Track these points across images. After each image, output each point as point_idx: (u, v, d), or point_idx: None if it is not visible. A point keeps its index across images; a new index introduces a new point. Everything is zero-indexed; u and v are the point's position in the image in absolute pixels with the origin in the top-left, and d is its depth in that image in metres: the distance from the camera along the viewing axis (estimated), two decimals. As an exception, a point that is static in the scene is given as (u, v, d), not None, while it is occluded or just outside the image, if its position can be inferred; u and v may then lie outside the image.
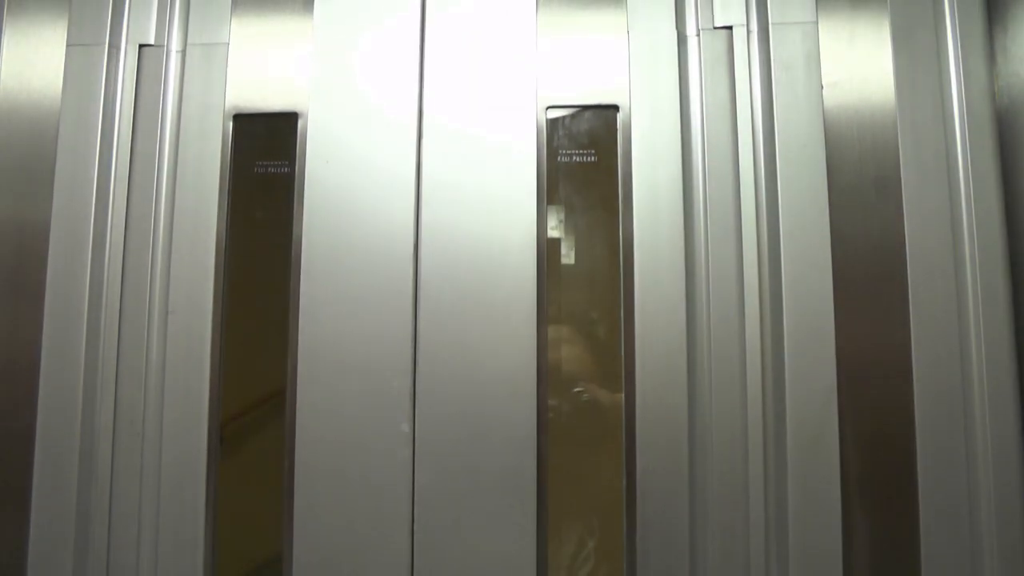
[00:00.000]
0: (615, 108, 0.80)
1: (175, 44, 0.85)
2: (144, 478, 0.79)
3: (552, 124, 0.81)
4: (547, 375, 0.77)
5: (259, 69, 0.83)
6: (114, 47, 0.84)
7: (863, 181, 0.78)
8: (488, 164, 0.80)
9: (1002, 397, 0.74)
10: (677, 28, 0.82)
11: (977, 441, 0.74)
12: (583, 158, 0.80)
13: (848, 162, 0.78)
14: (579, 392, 0.79)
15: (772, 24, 0.80)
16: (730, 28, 0.82)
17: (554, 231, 0.80)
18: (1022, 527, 0.72)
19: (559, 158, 0.80)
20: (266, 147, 0.82)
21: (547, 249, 0.79)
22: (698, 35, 0.82)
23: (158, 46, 0.85)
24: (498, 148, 0.80)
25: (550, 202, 0.80)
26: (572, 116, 0.81)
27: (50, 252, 0.80)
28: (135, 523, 0.78)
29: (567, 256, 0.80)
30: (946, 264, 0.76)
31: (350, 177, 0.80)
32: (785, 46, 0.79)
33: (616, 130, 0.80)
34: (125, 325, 0.80)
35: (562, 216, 0.80)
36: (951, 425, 0.74)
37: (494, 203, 0.79)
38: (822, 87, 0.79)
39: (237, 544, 0.79)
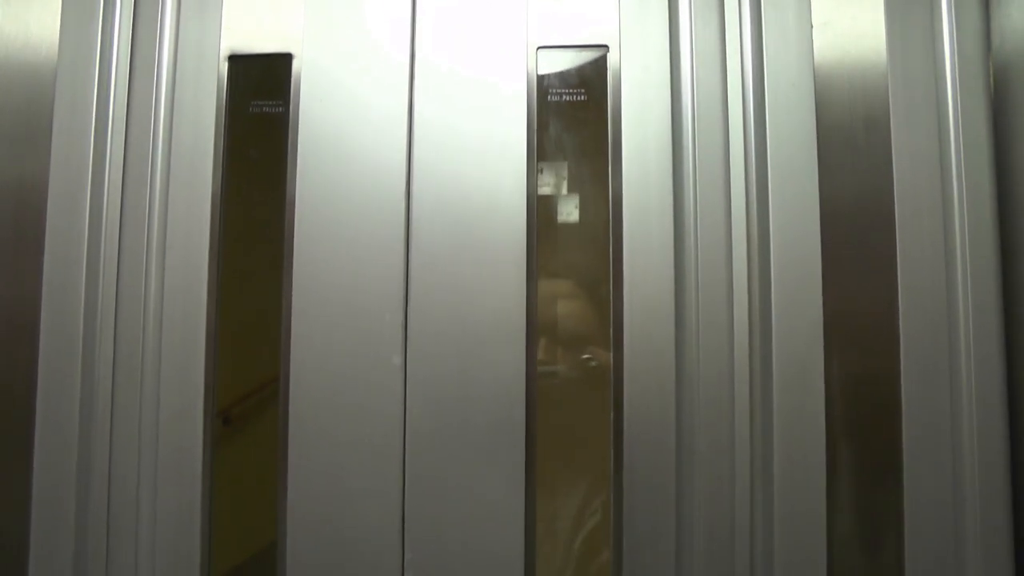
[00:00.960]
0: (605, 48, 0.81)
1: (171, -13, 0.86)
2: (143, 407, 0.81)
3: (543, 64, 0.81)
4: (536, 308, 0.78)
5: (254, 11, 0.84)
6: (111, -10, 0.85)
7: (852, 121, 0.78)
8: (480, 103, 0.81)
9: (987, 334, 0.75)
10: (667, -33, 0.82)
11: (962, 378, 0.75)
12: (573, 97, 0.81)
13: (837, 102, 0.78)
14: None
15: (762, -38, 0.80)
16: (720, -34, 0.82)
17: (544, 169, 0.80)
18: (1003, 458, 0.73)
19: (549, 97, 0.81)
20: (261, 88, 0.83)
21: (537, 185, 0.80)
22: (689, -26, 0.83)
23: (154, -11, 0.86)
24: (490, 87, 0.81)
25: (540, 140, 0.80)
26: (562, 56, 0.81)
27: (50, 190, 0.82)
28: (135, 450, 0.80)
29: (557, 193, 0.81)
30: (934, 203, 0.76)
31: (343, 116, 0.81)
32: (776, -15, 0.80)
33: (606, 70, 0.80)
34: (124, 259, 0.82)
35: (552, 154, 0.81)
36: (936, 361, 0.75)
37: (486, 140, 0.80)
38: (812, 27, 0.79)
39: (234, 468, 0.80)
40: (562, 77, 0.82)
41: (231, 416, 0.81)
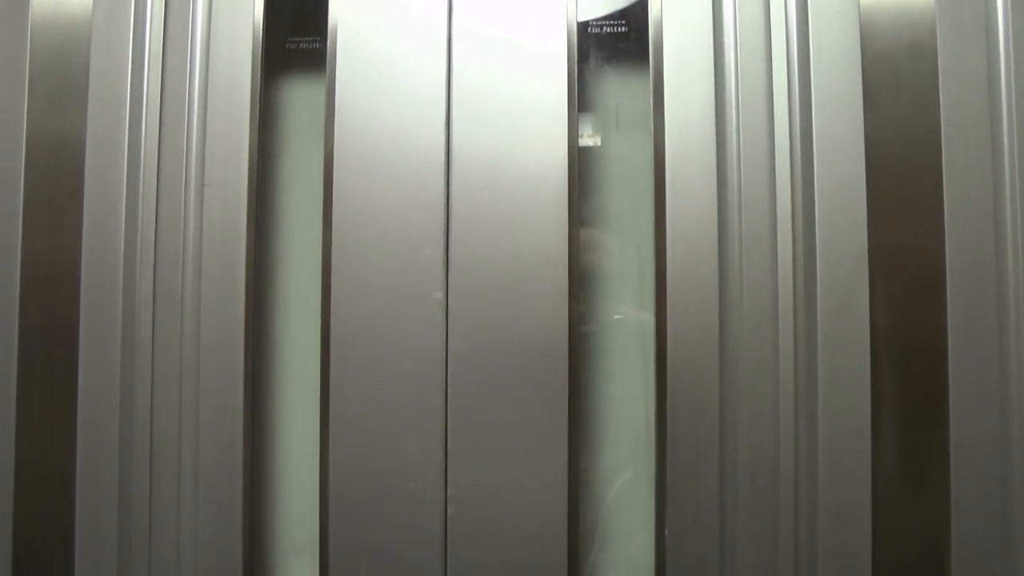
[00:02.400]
0: (645, -23, 0.80)
1: (205, -76, 0.86)
2: (184, 348, 0.81)
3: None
4: (578, 240, 0.78)
5: (289, -53, 0.84)
6: (144, -73, 0.84)
7: (897, 48, 0.77)
8: (521, 37, 0.80)
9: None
10: None
11: (1010, 308, 0.74)
12: (614, 28, 0.80)
13: (882, 29, 0.77)
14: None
15: None
16: None
17: (584, 101, 0.80)
18: (1054, 384, 0.72)
19: (589, 29, 0.80)
20: (297, 24, 0.83)
21: (578, 113, 0.79)
22: (728, -101, 0.81)
23: (188, -74, 0.85)
24: (530, 21, 0.80)
25: (581, 72, 0.80)
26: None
27: (88, 132, 0.81)
28: (176, 390, 0.80)
29: (596, 124, 0.80)
30: (982, 130, 0.75)
31: (381, 49, 0.80)
32: (819, -90, 0.78)
33: (647, 1, 0.79)
34: (162, 199, 0.81)
35: (592, 87, 0.80)
36: (983, 291, 0.74)
37: (526, 74, 0.79)
38: (857, -48, 0.78)
39: (275, 411, 0.81)
40: (603, 11, 0.81)
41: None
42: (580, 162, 0.79)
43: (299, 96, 0.83)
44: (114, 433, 0.78)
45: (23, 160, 0.81)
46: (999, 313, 0.74)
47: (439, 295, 0.78)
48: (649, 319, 0.78)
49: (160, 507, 0.79)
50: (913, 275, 0.76)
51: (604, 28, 0.81)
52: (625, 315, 0.81)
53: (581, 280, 0.79)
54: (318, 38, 0.82)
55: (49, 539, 0.77)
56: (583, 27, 0.80)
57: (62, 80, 0.82)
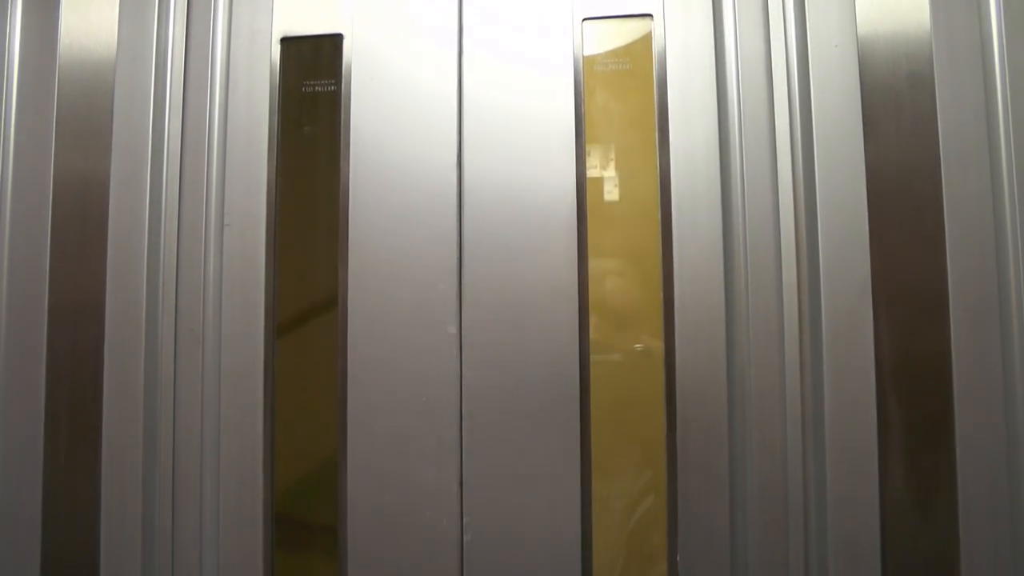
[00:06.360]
0: (649, 16, 0.82)
1: (223, -28, 0.89)
2: (205, 383, 0.83)
3: (588, 35, 0.83)
4: (587, 272, 0.80)
5: (304, -7, 0.87)
6: (166, -23, 0.88)
7: (896, 79, 0.79)
8: (528, 76, 0.83)
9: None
10: (708, -69, 0.83)
11: (1013, 332, 0.75)
12: (619, 67, 0.82)
13: (881, 61, 0.79)
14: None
15: (802, -79, 0.81)
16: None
17: (591, 136, 0.82)
18: (1059, 408, 0.73)
19: (595, 67, 0.83)
20: (313, 68, 0.86)
21: (586, 153, 0.81)
22: (729, -62, 0.84)
23: (207, -25, 0.89)
24: (537, 60, 0.83)
25: (588, 109, 0.82)
26: (607, 26, 0.83)
27: (112, 173, 0.84)
28: (198, 425, 0.83)
29: (604, 160, 0.82)
30: (981, 157, 0.77)
31: (394, 93, 0.84)
32: (816, -54, 0.81)
33: (651, 38, 0.82)
34: (183, 238, 0.85)
35: (599, 122, 0.82)
36: (985, 316, 0.75)
37: (534, 112, 0.82)
38: (854, -12, 0.80)
39: (294, 443, 0.83)
40: (608, 46, 0.83)
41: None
42: (589, 194, 0.82)
43: (315, 137, 0.86)
44: (137, 465, 0.81)
45: (50, 199, 0.84)
46: (1002, 336, 0.75)
47: (453, 328, 0.80)
48: (658, 347, 0.80)
49: (182, 540, 0.81)
50: (916, 301, 0.77)
51: (609, 63, 0.83)
52: (635, 344, 0.83)
53: (591, 310, 0.81)
54: (333, 80, 0.85)
55: (75, 573, 0.79)
56: (589, 63, 0.83)
57: (87, 123, 0.85)
